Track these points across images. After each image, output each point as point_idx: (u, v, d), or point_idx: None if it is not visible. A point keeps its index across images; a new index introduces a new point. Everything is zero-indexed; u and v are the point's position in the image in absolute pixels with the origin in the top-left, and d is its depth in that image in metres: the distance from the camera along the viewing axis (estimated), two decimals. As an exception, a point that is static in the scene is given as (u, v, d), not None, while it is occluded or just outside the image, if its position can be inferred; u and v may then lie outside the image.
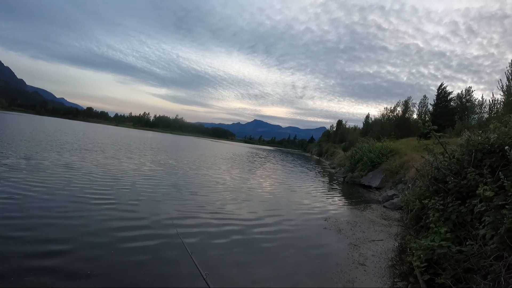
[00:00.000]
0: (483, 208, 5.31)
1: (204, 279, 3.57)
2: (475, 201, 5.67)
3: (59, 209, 7.66)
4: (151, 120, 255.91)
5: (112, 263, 5.27)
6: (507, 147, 5.53)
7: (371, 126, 64.64)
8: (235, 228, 8.36)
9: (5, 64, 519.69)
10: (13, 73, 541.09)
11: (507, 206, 4.73)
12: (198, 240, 7.02)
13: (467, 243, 5.29)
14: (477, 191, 5.33)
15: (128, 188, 11.09)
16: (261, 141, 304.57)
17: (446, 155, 7.86)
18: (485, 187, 5.19)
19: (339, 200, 15.96)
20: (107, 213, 7.97)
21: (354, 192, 19.40)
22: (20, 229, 6.14)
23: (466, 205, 6.10)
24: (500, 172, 5.52)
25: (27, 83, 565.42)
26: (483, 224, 5.18)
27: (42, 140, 24.50)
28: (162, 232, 7.12)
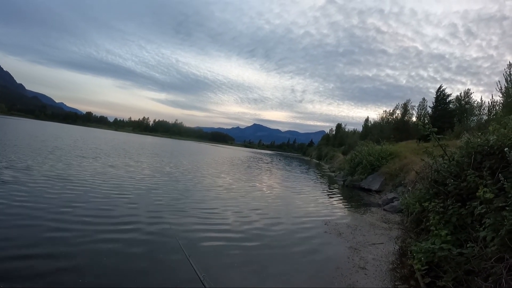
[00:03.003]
0: (484, 210, 5.30)
1: (201, 281, 3.56)
2: (475, 203, 5.65)
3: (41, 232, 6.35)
4: (150, 125, 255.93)
5: (106, 266, 5.27)
6: (507, 148, 5.53)
7: (370, 129, 64.64)
8: (234, 232, 8.36)
9: (4, 69, 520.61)
10: (13, 77, 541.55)
11: (507, 208, 4.72)
12: (197, 244, 7.00)
13: (467, 245, 5.27)
14: (477, 193, 5.33)
15: (132, 204, 9.72)
16: (260, 145, 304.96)
17: (446, 157, 7.85)
18: (485, 189, 5.19)
19: (339, 203, 15.96)
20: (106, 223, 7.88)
21: (354, 195, 19.39)
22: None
23: (466, 207, 6.08)
24: (500, 174, 5.51)
25: (26, 88, 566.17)
26: (483, 226, 5.17)
27: (37, 146, 24.22)
28: (160, 238, 7.11)
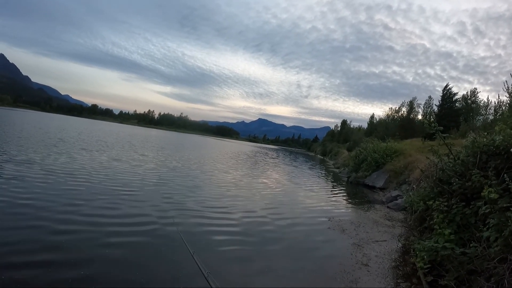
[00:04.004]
0: (488, 210, 5.29)
1: (205, 278, 3.58)
2: (480, 203, 5.65)
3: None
4: (155, 118, 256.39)
5: (109, 263, 5.28)
6: (513, 149, 5.52)
7: (375, 126, 64.55)
8: (238, 227, 8.41)
9: (10, 61, 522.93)
10: (19, 69, 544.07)
11: (511, 209, 4.72)
12: (201, 240, 7.04)
13: (471, 245, 5.27)
14: (481, 193, 5.32)
15: (138, 202, 9.36)
16: (265, 140, 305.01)
17: (451, 156, 7.83)
18: (490, 189, 5.18)
19: (343, 200, 15.99)
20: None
21: (358, 192, 19.41)
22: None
23: (471, 207, 6.08)
24: (505, 174, 5.51)
25: (32, 80, 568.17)
26: (487, 226, 5.16)
27: (41, 139, 24.22)
28: (164, 233, 7.16)
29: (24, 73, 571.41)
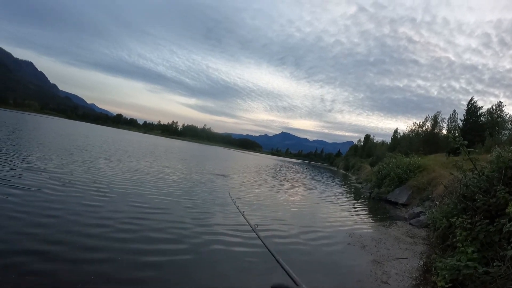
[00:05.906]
0: (512, 228, 5.13)
1: (253, 230, 3.88)
2: (504, 220, 5.48)
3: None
4: (179, 129, 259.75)
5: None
6: (539, 165, 5.35)
7: (399, 141, 63.95)
8: (255, 240, 8.32)
9: (38, 69, 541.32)
10: (46, 77, 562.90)
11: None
12: (221, 256, 7.09)
13: (494, 264, 5.10)
14: (506, 210, 5.17)
15: (163, 222, 8.87)
16: (288, 154, 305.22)
17: (476, 172, 7.64)
18: (515, 206, 5.02)
19: (365, 215, 15.75)
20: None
21: (380, 208, 19.11)
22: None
23: (495, 224, 5.89)
24: (531, 191, 5.33)
25: (59, 88, 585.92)
26: (511, 244, 5.00)
27: (67, 147, 24.48)
28: (191, 252, 7.13)
29: (51, 81, 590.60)
